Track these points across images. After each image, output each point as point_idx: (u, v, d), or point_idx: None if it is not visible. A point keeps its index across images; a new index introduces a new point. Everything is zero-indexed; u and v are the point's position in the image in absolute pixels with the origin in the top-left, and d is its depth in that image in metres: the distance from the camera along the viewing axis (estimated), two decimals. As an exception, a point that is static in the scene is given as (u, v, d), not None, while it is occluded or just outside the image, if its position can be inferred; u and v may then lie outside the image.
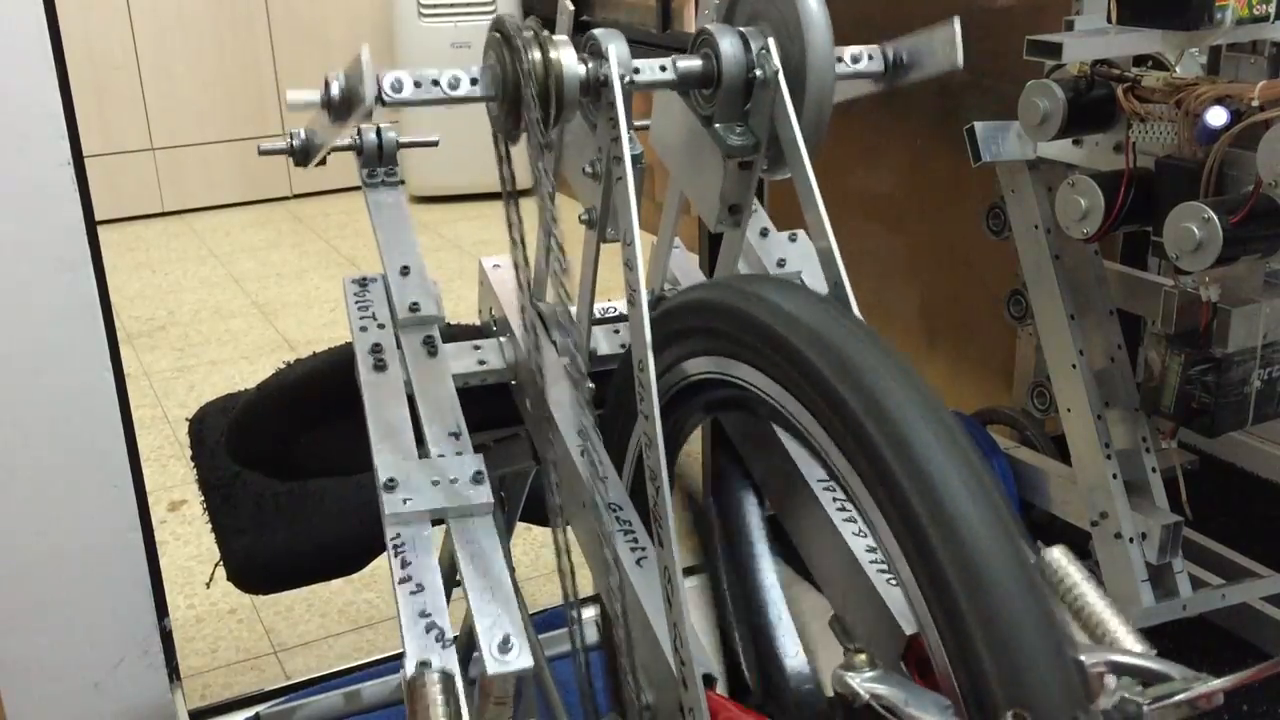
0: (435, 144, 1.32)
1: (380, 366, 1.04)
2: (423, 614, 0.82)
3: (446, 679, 0.76)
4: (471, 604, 0.84)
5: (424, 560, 0.86)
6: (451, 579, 0.92)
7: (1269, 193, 1.36)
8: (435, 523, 0.92)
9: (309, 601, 2.14)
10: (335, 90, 0.87)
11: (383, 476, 0.91)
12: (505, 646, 0.79)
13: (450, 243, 4.10)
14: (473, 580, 0.85)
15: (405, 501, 0.90)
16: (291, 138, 1.17)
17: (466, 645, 0.92)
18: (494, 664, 0.79)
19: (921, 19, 0.93)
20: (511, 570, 0.96)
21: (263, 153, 1.18)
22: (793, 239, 1.13)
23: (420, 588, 0.84)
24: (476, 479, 0.92)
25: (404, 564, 0.86)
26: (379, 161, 1.23)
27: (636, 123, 0.97)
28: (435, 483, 0.92)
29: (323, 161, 1.15)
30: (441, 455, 0.95)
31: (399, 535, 0.88)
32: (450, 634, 0.81)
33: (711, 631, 1.05)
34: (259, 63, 4.53)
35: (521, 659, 0.79)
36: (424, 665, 0.78)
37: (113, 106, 4.35)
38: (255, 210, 4.58)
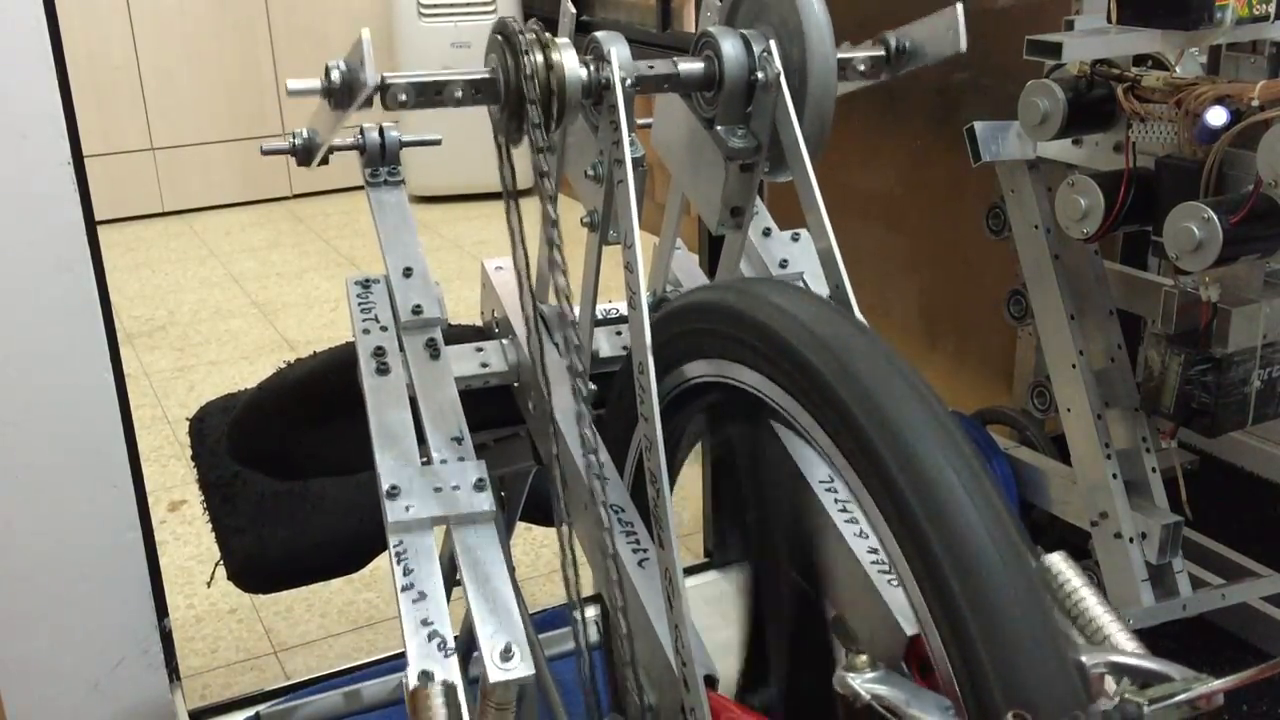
0: (438, 143, 1.32)
1: (383, 370, 1.04)
2: (425, 622, 0.82)
3: (449, 690, 0.77)
4: (473, 612, 0.84)
5: (426, 568, 0.87)
6: (452, 577, 0.92)
7: (1269, 193, 1.36)
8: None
9: (309, 601, 2.14)
10: (336, 76, 0.87)
11: (385, 484, 0.91)
12: (507, 655, 0.79)
13: (451, 243, 4.10)
14: (474, 588, 0.85)
15: (408, 509, 0.90)
16: (294, 137, 1.16)
17: (467, 642, 0.92)
18: (496, 672, 0.79)
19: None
20: (512, 571, 0.96)
21: (265, 153, 1.18)
22: (795, 239, 1.13)
23: (422, 595, 0.84)
24: (479, 486, 0.92)
25: (406, 571, 0.86)
26: (382, 161, 1.23)
27: (640, 121, 0.97)
28: (437, 490, 0.92)
29: (325, 161, 1.15)
30: (444, 461, 0.95)
31: (401, 542, 0.88)
32: (451, 642, 0.81)
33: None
34: (259, 63, 4.53)
35: (523, 667, 0.79)
36: (426, 675, 0.78)
37: (113, 106, 4.35)
38: (255, 210, 4.58)
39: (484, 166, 0.97)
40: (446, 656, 0.80)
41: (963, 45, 0.90)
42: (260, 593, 1.87)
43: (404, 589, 0.84)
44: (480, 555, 0.88)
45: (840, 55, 0.92)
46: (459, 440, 0.98)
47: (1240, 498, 1.99)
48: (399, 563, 0.86)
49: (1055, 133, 1.55)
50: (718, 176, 0.91)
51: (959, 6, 0.90)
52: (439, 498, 0.91)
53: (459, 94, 0.89)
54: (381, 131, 1.23)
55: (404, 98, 0.87)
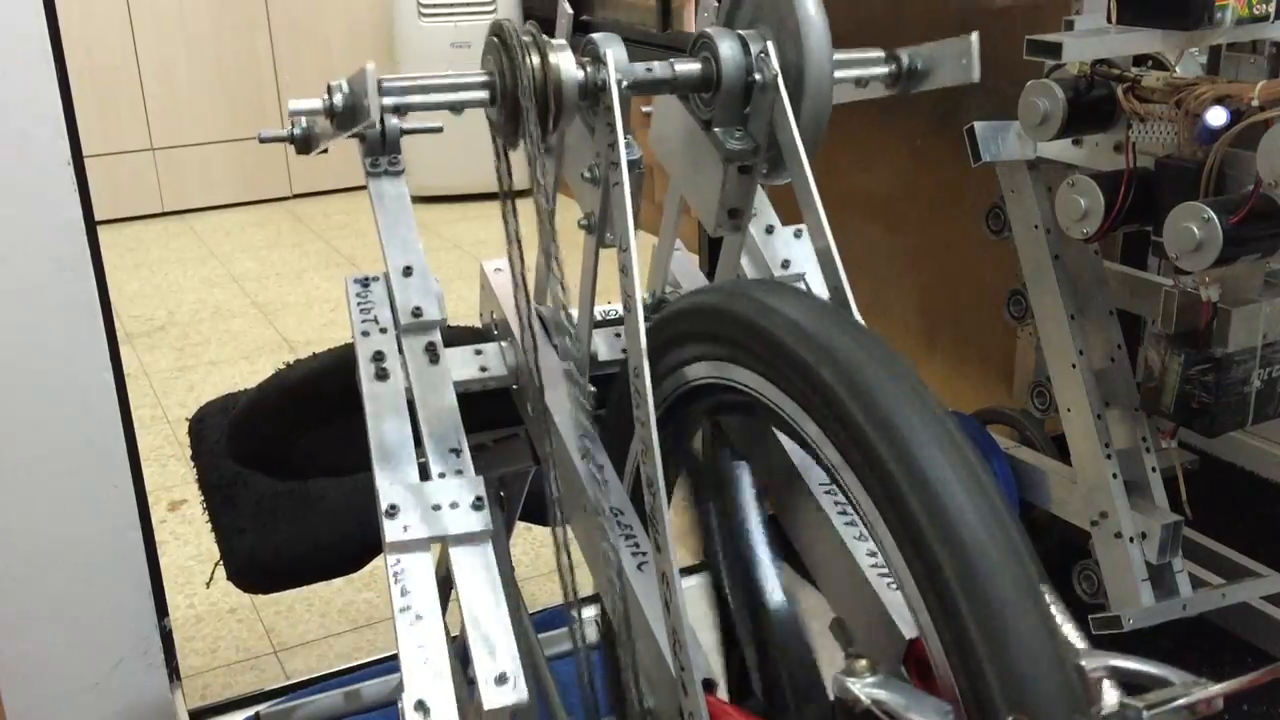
0: (439, 130, 1.30)
1: (382, 375, 1.03)
2: (421, 646, 0.82)
3: None
4: (469, 635, 0.84)
5: (424, 589, 0.86)
6: (448, 589, 0.92)
7: (1269, 193, 1.36)
8: None
9: (309, 601, 2.14)
10: (339, 100, 0.88)
11: (384, 502, 0.91)
12: (502, 680, 0.79)
13: (450, 243, 4.10)
14: (471, 610, 0.85)
15: (405, 529, 0.90)
16: (293, 126, 1.16)
17: (464, 647, 0.92)
18: (490, 698, 0.79)
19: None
20: (511, 572, 0.96)
21: (264, 140, 1.17)
22: (798, 235, 1.12)
23: (419, 618, 0.84)
24: (476, 505, 0.92)
25: (404, 592, 0.86)
26: (382, 150, 1.22)
27: (644, 109, 0.97)
28: (435, 508, 0.91)
29: (325, 149, 1.15)
30: (442, 475, 0.95)
31: (399, 562, 0.88)
32: (448, 668, 0.81)
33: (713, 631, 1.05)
34: (259, 63, 4.53)
35: (517, 693, 0.79)
36: (423, 706, 0.79)
37: (113, 106, 4.35)
38: (255, 210, 4.58)
39: (484, 167, 0.97)
40: (442, 683, 0.80)
41: (975, 76, 0.90)
42: (260, 593, 1.87)
43: (401, 610, 0.84)
44: (477, 577, 0.88)
45: (838, 57, 0.92)
46: (457, 452, 0.97)
47: (1240, 498, 1.99)
48: (396, 582, 0.86)
49: (1055, 133, 1.55)
50: (715, 178, 0.91)
51: (974, 35, 0.90)
52: (437, 517, 0.91)
53: (456, 97, 0.89)
54: (382, 119, 1.22)
55: (401, 105, 0.87)
